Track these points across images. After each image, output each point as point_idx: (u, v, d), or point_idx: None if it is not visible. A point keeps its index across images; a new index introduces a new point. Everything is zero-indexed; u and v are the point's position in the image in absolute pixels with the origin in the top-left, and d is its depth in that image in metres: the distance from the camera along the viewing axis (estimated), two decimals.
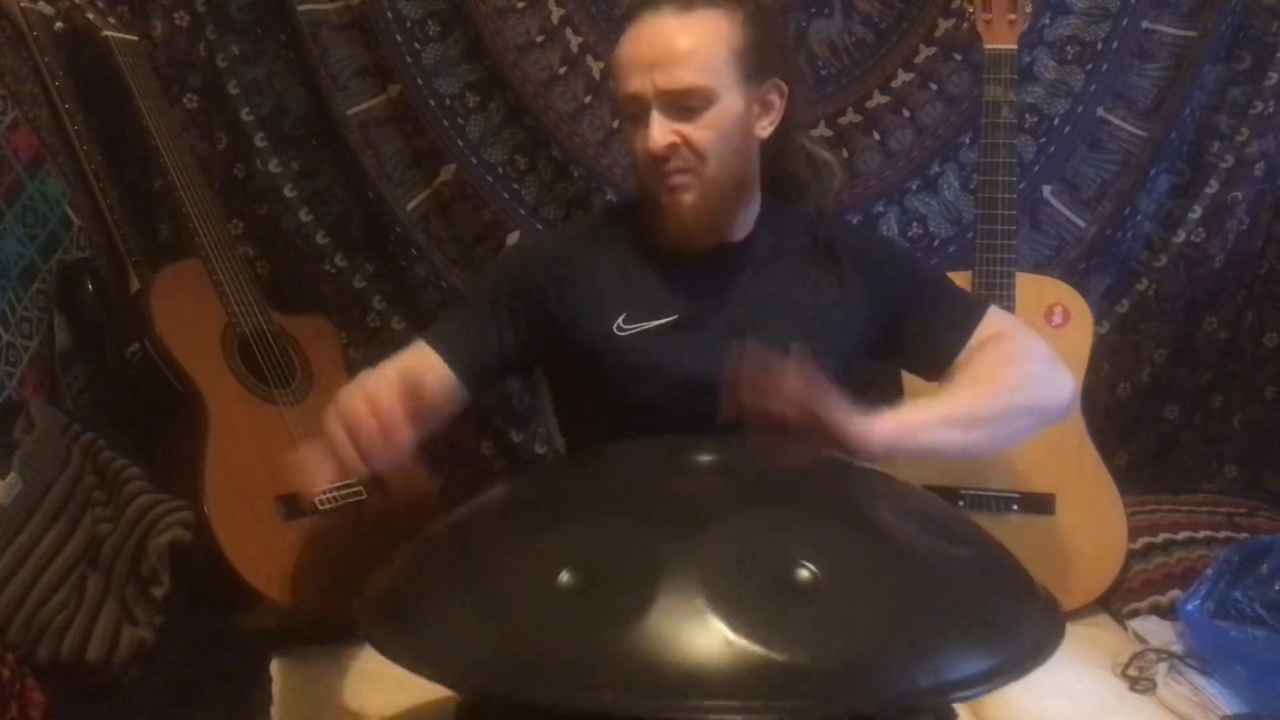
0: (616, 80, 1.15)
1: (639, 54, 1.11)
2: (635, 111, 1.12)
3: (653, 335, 1.16)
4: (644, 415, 1.12)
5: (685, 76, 1.09)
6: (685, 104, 1.10)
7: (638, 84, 1.10)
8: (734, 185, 1.15)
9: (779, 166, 1.24)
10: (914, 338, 1.22)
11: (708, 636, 0.68)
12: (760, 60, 1.14)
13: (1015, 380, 1.13)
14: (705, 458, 0.93)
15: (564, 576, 0.73)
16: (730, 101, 1.12)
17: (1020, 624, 0.78)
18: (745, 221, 1.20)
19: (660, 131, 1.10)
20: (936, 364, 1.21)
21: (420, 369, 1.11)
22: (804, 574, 0.72)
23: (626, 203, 1.31)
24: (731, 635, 0.68)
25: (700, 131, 1.11)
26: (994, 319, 1.21)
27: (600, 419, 1.18)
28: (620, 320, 1.16)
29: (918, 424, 1.04)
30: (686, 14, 1.11)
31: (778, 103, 1.18)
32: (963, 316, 1.21)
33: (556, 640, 0.70)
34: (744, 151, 1.15)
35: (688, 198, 1.13)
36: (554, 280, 1.19)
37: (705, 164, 1.12)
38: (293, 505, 1.35)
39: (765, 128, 1.17)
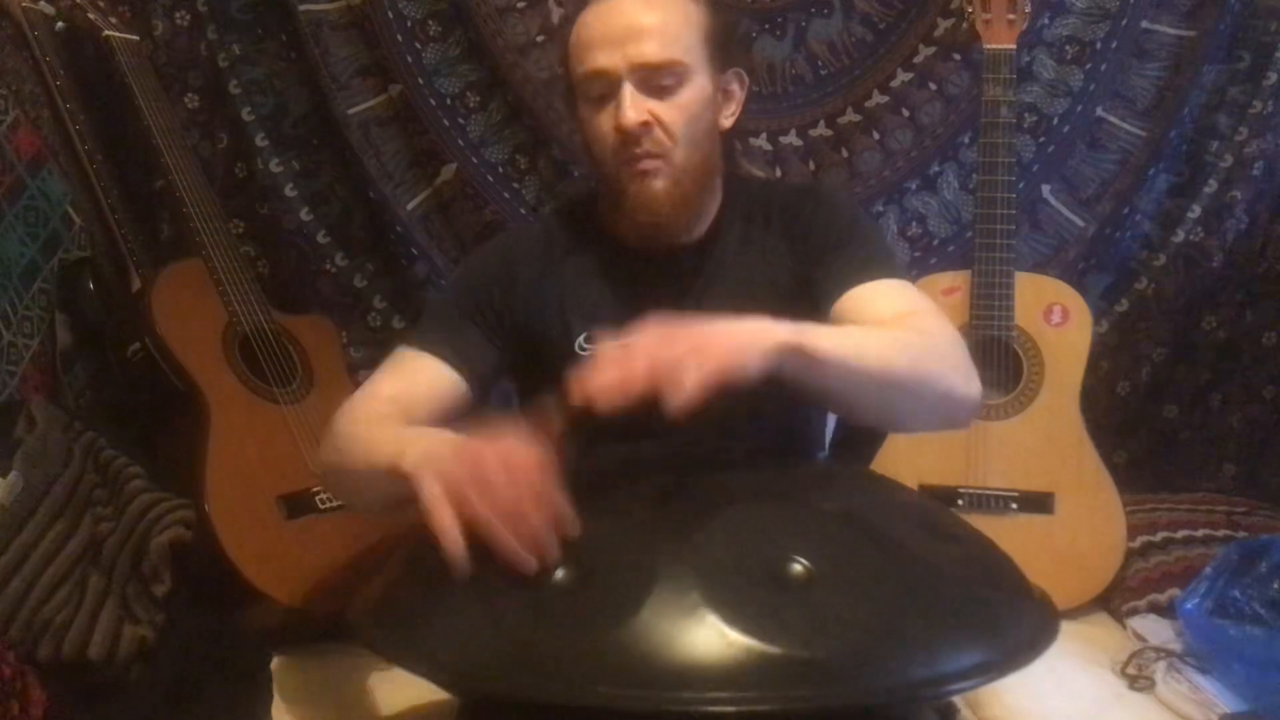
0: (577, 60, 1.09)
1: (608, 28, 1.06)
2: (601, 92, 1.07)
3: None
4: (607, 430, 1.09)
5: (661, 50, 1.05)
6: (659, 80, 1.05)
7: (606, 59, 1.05)
8: (701, 173, 1.11)
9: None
10: (812, 282, 1.10)
11: (703, 631, 0.68)
12: (724, 45, 1.11)
13: (930, 349, 0.97)
14: (698, 458, 0.93)
15: (559, 574, 0.74)
16: (700, 82, 1.08)
17: (1015, 618, 0.78)
18: (705, 218, 1.16)
19: (635, 108, 1.04)
20: (818, 308, 1.08)
21: (422, 381, 1.08)
22: (797, 568, 0.72)
23: (578, 202, 1.25)
24: (726, 629, 0.68)
25: (673, 111, 1.06)
26: (899, 292, 1.07)
27: (568, 432, 1.14)
28: (581, 340, 1.13)
29: (822, 350, 0.87)
30: None
31: (738, 93, 1.15)
32: (855, 268, 1.08)
33: (552, 637, 0.70)
34: (711, 140, 1.11)
35: (658, 183, 1.07)
36: (517, 295, 1.14)
37: (676, 147, 1.07)
38: (294, 504, 1.35)
39: (728, 117, 1.14)
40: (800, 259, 1.12)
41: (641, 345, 0.81)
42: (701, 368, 0.78)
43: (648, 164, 1.06)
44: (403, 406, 1.04)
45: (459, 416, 1.13)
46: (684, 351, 0.80)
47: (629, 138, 1.05)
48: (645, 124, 1.05)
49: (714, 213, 1.17)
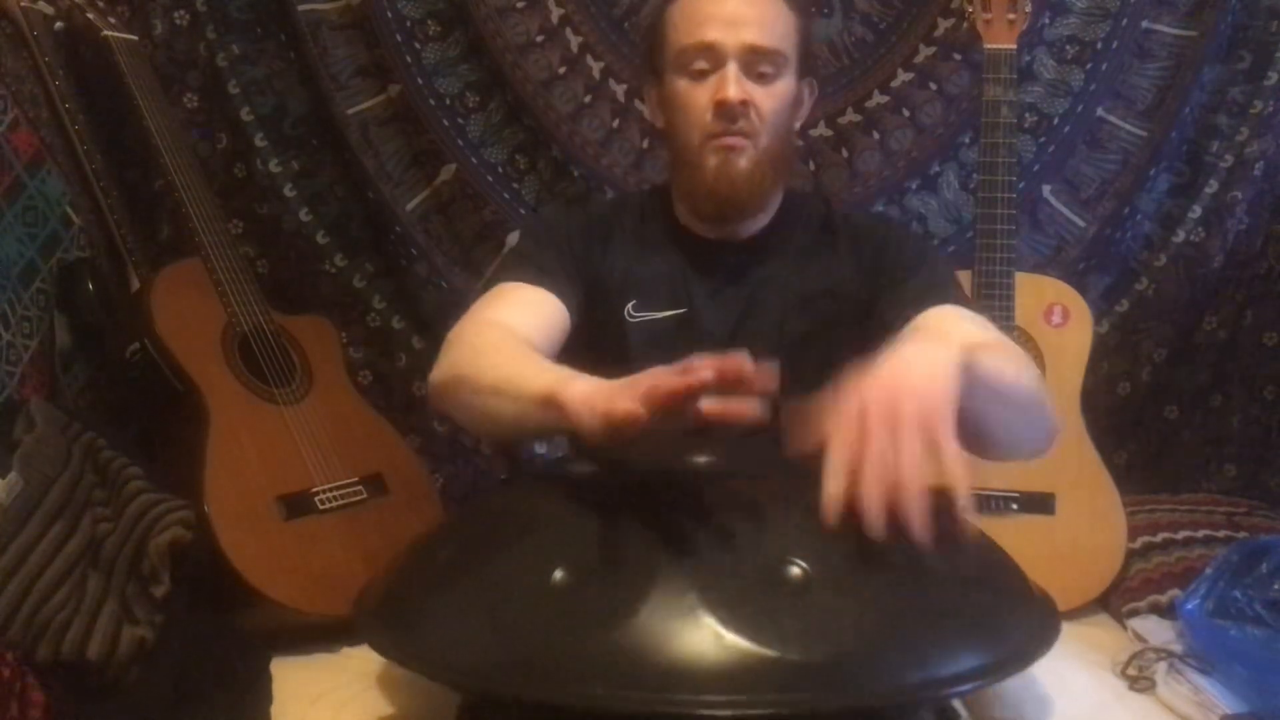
0: (681, 31, 1.14)
1: (719, 7, 1.11)
2: (701, 66, 1.11)
3: (659, 326, 1.16)
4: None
5: (771, 38, 1.10)
6: (762, 67, 1.11)
7: (718, 34, 1.10)
8: (776, 164, 1.16)
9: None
10: (878, 309, 1.13)
11: (699, 633, 0.68)
12: (808, 53, 1.17)
13: (1039, 376, 1.01)
14: (700, 460, 0.93)
15: (557, 574, 0.74)
16: (791, 78, 1.14)
17: (1013, 621, 0.78)
18: (765, 215, 1.20)
19: (738, 86, 1.09)
20: (881, 332, 1.07)
21: (530, 305, 1.11)
22: (795, 571, 0.72)
23: (652, 190, 1.32)
24: (723, 631, 0.68)
25: (767, 98, 1.11)
26: (981, 320, 1.09)
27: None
28: (631, 306, 1.17)
29: (984, 369, 0.83)
30: None
31: (808, 101, 1.20)
32: (932, 291, 1.10)
33: (549, 637, 0.70)
34: (788, 136, 1.17)
35: (741, 162, 1.12)
36: (590, 250, 1.19)
37: (763, 132, 1.12)
38: (293, 505, 1.35)
39: (798, 121, 1.20)
40: (865, 285, 1.17)
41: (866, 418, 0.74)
42: (945, 427, 0.74)
43: (736, 140, 1.11)
44: (514, 329, 1.06)
45: (561, 344, 1.14)
46: (913, 416, 0.73)
47: (727, 112, 1.09)
48: (744, 103, 1.09)
49: (772, 213, 1.21)
